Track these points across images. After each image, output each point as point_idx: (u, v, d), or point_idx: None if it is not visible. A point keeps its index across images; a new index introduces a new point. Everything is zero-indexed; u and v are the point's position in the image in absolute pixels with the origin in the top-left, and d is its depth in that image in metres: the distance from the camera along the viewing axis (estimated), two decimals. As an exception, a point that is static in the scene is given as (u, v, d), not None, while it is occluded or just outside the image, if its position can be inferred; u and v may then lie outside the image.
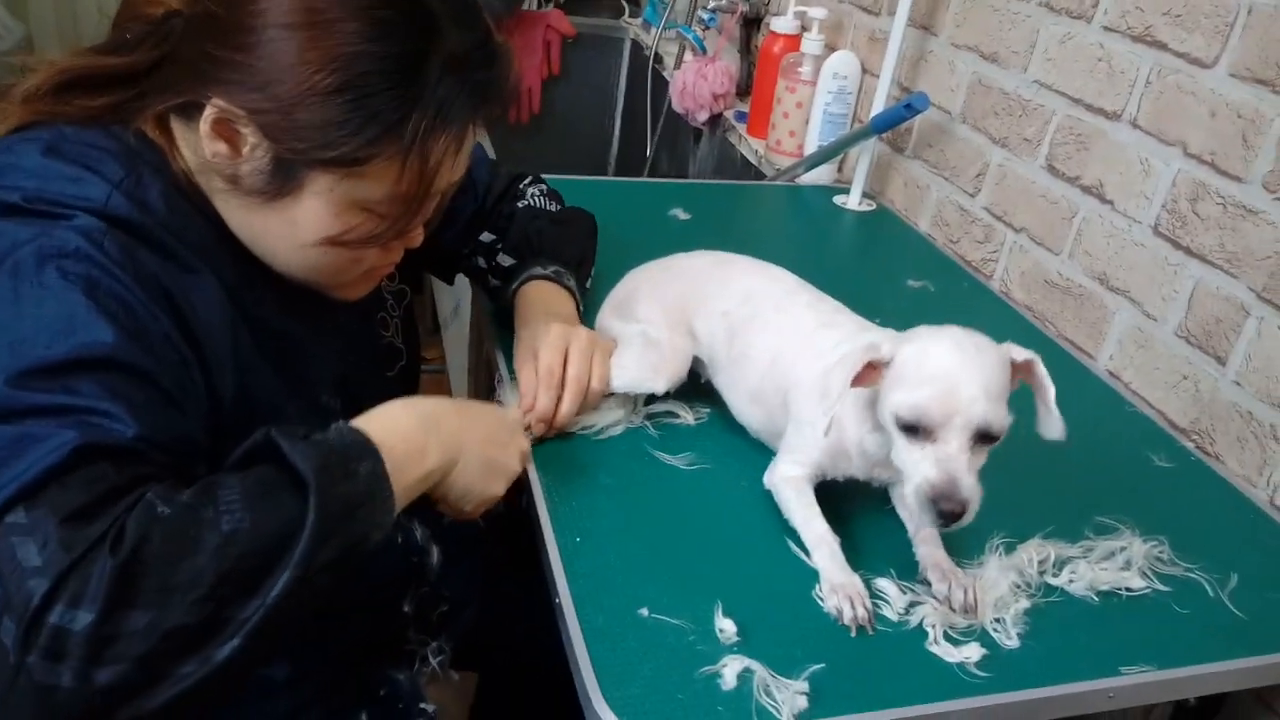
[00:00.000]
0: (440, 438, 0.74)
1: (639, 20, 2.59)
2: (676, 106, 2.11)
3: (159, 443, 0.61)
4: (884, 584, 0.79)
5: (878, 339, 0.78)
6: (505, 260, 1.07)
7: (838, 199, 1.61)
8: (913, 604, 0.78)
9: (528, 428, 0.90)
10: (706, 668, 0.69)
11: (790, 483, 0.84)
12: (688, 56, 2.14)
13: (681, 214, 1.45)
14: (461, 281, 1.18)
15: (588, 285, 1.10)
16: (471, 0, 0.76)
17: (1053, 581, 0.82)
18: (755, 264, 1.03)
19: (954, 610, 0.77)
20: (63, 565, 0.53)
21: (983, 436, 0.72)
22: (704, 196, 1.56)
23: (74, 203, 0.66)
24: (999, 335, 0.78)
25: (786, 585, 0.78)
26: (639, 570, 0.78)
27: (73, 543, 0.54)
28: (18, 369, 0.59)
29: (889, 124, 1.48)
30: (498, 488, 0.81)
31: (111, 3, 0.78)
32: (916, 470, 0.73)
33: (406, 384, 1.03)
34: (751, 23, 2.05)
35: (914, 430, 0.73)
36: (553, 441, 0.91)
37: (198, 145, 0.72)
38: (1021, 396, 0.77)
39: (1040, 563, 0.83)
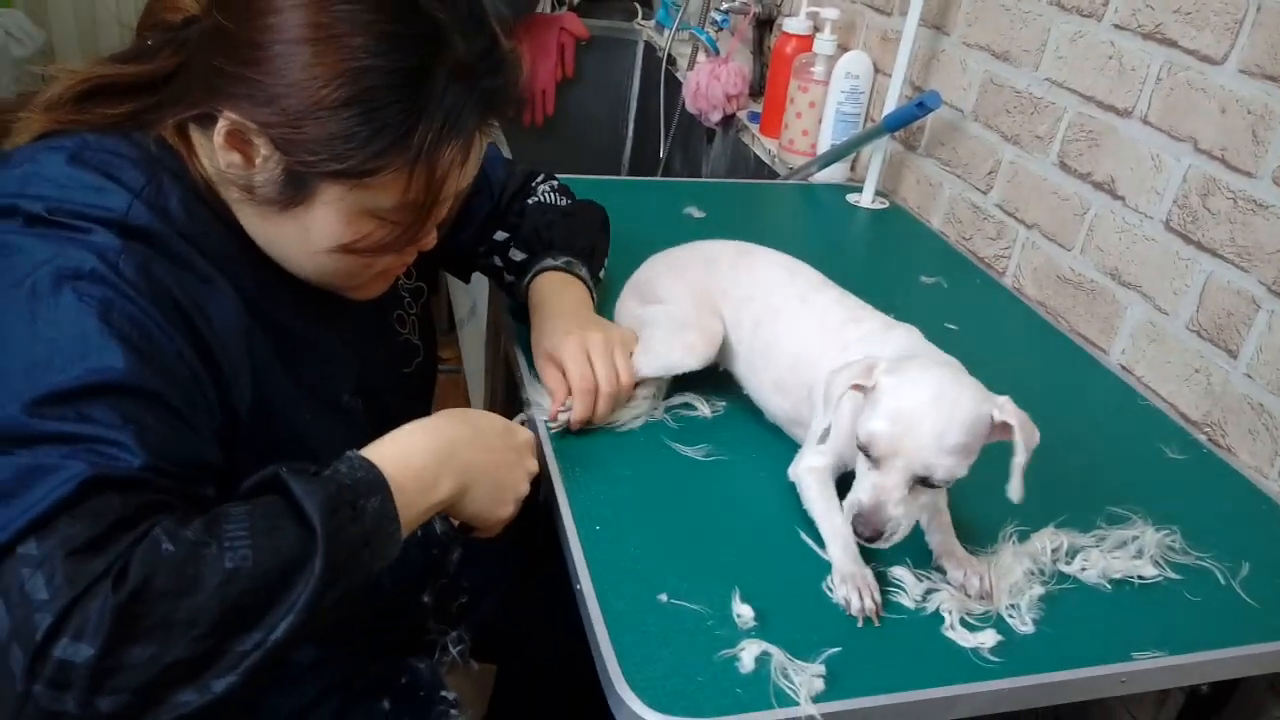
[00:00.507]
0: (453, 467, 0.75)
1: (652, 22, 2.61)
2: (690, 107, 2.12)
3: (165, 469, 0.62)
4: (900, 572, 0.80)
5: (878, 358, 0.79)
6: (517, 255, 1.08)
7: (851, 197, 1.62)
8: (929, 591, 0.79)
9: (565, 432, 0.91)
10: (725, 651, 0.71)
11: (813, 473, 0.85)
12: (700, 58, 2.16)
13: (696, 212, 1.46)
14: (478, 281, 1.19)
15: (601, 275, 1.11)
16: (478, 7, 0.76)
17: (1066, 569, 0.83)
18: (778, 255, 1.04)
19: (970, 596, 0.79)
20: (66, 600, 0.54)
21: (923, 480, 0.74)
22: (718, 195, 1.58)
23: (95, 214, 0.67)
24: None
25: (803, 573, 0.80)
26: (658, 558, 0.79)
27: (77, 577, 0.55)
28: (33, 396, 0.60)
29: (901, 122, 1.50)
30: (506, 510, 0.82)
31: (130, 11, 0.79)
32: (857, 487, 0.77)
33: (424, 380, 1.05)
34: (764, 24, 2.07)
35: (867, 453, 0.75)
36: (572, 435, 0.93)
37: (214, 154, 0.73)
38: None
39: (1054, 551, 0.84)
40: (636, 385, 0.96)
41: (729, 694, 0.68)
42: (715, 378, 1.01)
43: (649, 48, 2.60)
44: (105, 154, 0.71)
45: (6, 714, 0.61)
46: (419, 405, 1.04)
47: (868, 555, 0.80)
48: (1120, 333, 1.21)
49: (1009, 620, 0.77)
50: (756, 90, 2.07)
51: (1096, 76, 1.24)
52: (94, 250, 0.66)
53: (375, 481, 0.67)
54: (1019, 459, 0.75)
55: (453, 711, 0.99)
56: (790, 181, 1.73)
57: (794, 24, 1.81)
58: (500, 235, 1.09)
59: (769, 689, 0.68)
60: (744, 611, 0.74)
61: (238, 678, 0.58)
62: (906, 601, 0.78)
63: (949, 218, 1.54)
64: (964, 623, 0.76)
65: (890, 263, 1.47)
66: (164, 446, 0.63)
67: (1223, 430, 1.07)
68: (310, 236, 0.76)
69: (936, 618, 0.77)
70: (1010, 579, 0.80)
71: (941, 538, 0.83)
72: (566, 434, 0.92)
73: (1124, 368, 1.20)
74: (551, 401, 0.93)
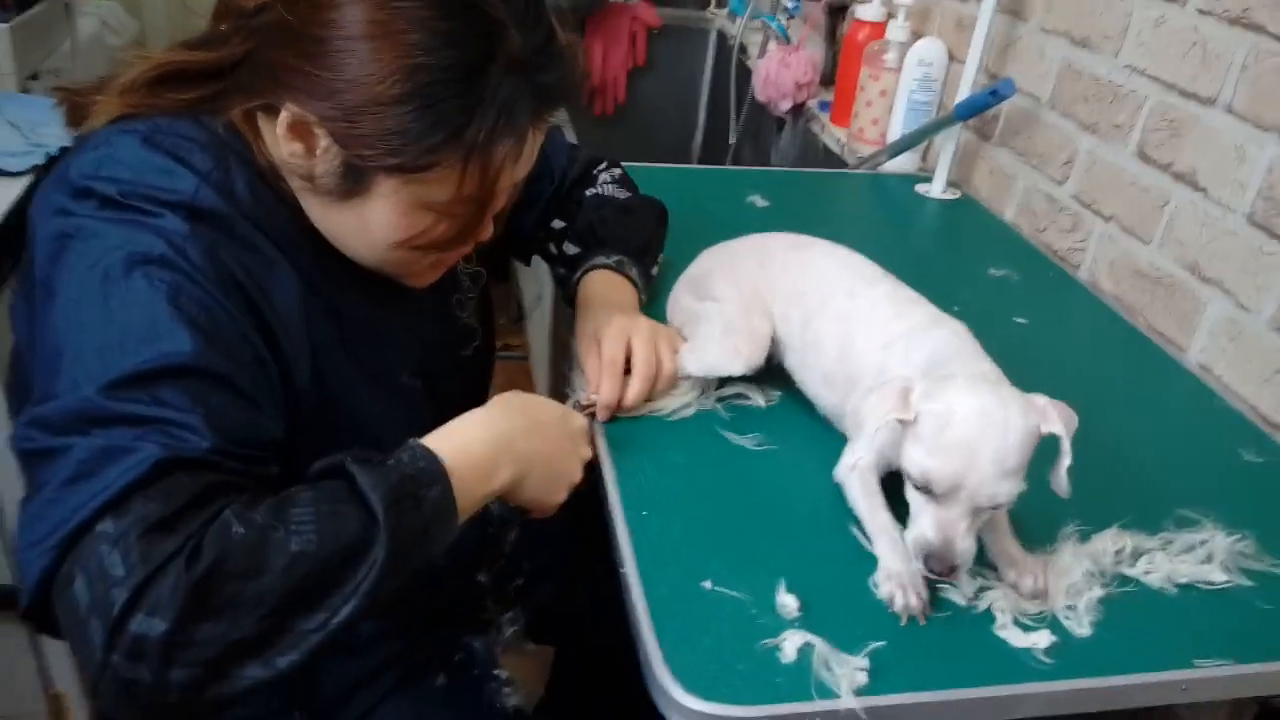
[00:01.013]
0: (511, 456, 0.77)
1: (724, 10, 2.59)
2: (760, 96, 2.10)
3: (232, 451, 0.65)
4: (952, 568, 0.79)
5: (911, 379, 0.76)
6: (570, 249, 1.08)
7: (920, 187, 1.59)
8: (982, 588, 0.77)
9: (592, 415, 0.91)
10: (767, 640, 0.70)
11: (857, 473, 0.84)
12: (771, 46, 2.14)
13: (760, 200, 1.45)
14: (545, 271, 1.20)
15: (654, 273, 1.11)
16: (536, 0, 0.76)
17: (1128, 572, 0.80)
18: (833, 247, 1.03)
19: (1023, 595, 0.77)
20: (142, 576, 0.57)
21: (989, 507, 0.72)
22: (783, 184, 1.56)
23: (164, 197, 0.69)
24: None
25: (850, 566, 0.78)
26: (703, 545, 0.79)
27: (151, 555, 0.58)
28: (107, 378, 0.63)
29: (973, 111, 1.46)
30: (560, 496, 0.83)
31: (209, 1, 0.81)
32: (916, 523, 0.75)
33: (482, 363, 1.06)
34: (836, 11, 2.03)
35: (926, 490, 0.73)
36: (624, 421, 0.93)
37: (278, 142, 0.75)
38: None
39: (1116, 552, 0.81)
40: (681, 380, 0.96)
41: (769, 683, 0.67)
42: (771, 369, 1.00)
43: (721, 36, 2.58)
44: (176, 137, 0.73)
45: (88, 681, 0.64)
46: (476, 388, 1.05)
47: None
48: (1199, 330, 1.16)
49: (1065, 622, 0.75)
50: (828, 79, 2.04)
51: (1179, 63, 1.19)
52: (163, 235, 0.68)
53: (436, 472, 0.69)
54: (1065, 461, 0.74)
55: (506, 690, 1.00)
56: (859, 171, 1.70)
57: (867, 10, 1.77)
58: (557, 223, 1.10)
59: (810, 680, 0.67)
60: (788, 601, 0.73)
61: (300, 656, 0.60)
62: (958, 598, 0.77)
63: (1022, 209, 1.49)
64: (1017, 622, 0.75)
65: (958, 255, 1.44)
66: (231, 428, 0.65)
67: (1305, 433, 1.02)
68: (369, 227, 0.77)
69: (988, 616, 0.75)
70: (1068, 579, 0.78)
71: (996, 536, 0.81)
72: (616, 420, 0.92)
73: (1202, 366, 1.15)
74: (587, 386, 0.93)
